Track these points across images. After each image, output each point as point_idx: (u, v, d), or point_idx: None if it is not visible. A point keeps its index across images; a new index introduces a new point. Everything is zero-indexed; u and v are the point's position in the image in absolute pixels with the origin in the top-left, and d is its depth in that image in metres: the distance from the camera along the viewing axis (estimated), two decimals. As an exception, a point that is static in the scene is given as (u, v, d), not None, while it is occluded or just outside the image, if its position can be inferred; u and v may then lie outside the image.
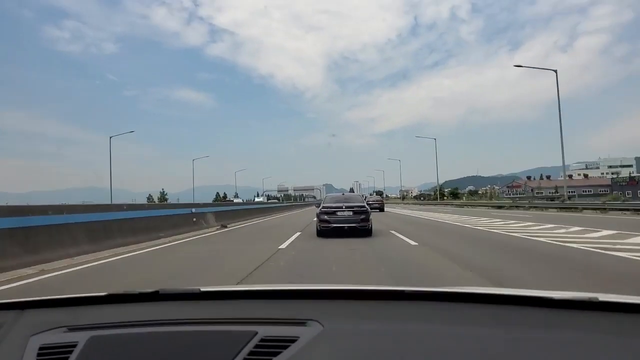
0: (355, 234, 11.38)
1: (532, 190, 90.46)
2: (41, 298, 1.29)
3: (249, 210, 24.31)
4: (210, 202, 33.39)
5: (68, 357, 0.94)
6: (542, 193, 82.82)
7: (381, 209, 32.91)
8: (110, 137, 44.28)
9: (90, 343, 0.98)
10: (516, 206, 33.88)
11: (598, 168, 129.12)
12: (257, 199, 76.05)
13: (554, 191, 78.70)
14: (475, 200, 64.30)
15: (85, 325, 1.09)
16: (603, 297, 1.00)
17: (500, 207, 35.61)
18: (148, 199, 79.13)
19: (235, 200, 73.71)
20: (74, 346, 0.98)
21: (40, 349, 1.00)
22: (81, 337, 1.00)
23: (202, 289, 1.22)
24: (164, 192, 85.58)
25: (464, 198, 78.24)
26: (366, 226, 11.59)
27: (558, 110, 29.37)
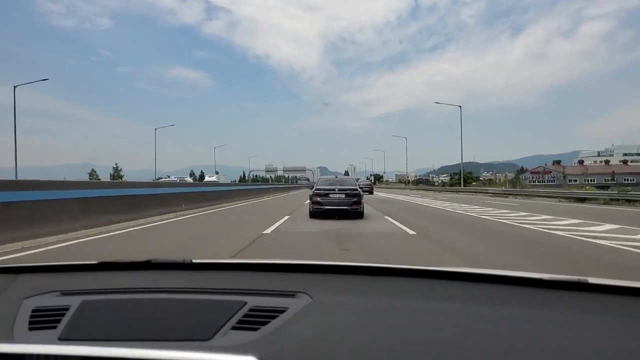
0: (349, 217, 11.45)
1: (564, 176, 73.17)
2: (35, 264, 1.34)
3: (205, 193, 18.18)
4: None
5: (60, 319, 0.96)
6: (575, 181, 68.29)
7: (370, 192, 35.75)
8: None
9: (82, 307, 1.00)
10: (573, 197, 23.94)
11: (612, 155, 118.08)
12: (209, 179, 63.69)
13: (590, 179, 65.78)
14: (506, 188, 45.31)
15: (77, 290, 1.12)
16: (593, 280, 1.02)
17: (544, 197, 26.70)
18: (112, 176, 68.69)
19: (208, 179, 64.34)
20: (67, 309, 1.00)
21: (34, 311, 1.02)
22: (73, 301, 1.02)
23: (194, 260, 1.25)
24: (117, 168, 73.56)
25: (472, 184, 70.25)
26: (358, 209, 11.77)
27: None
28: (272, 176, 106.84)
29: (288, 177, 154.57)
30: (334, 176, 14.53)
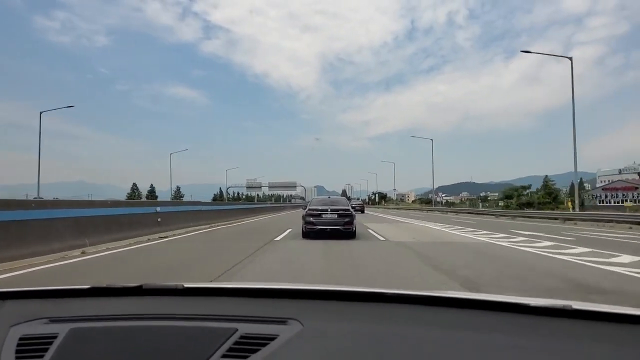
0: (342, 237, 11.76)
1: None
2: (22, 289, 1.29)
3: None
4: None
5: (48, 348, 0.95)
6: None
7: (362, 211, 39.96)
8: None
9: (70, 335, 0.99)
10: None
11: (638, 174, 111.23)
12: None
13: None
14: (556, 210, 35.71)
15: (66, 317, 1.09)
16: (577, 305, 1.01)
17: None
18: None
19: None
20: (55, 337, 0.98)
21: (20, 339, 1.00)
22: (62, 329, 1.01)
23: (186, 285, 1.22)
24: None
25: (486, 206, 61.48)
26: (350, 229, 11.96)
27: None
28: (259, 194, 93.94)
29: (279, 195, 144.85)
30: (327, 197, 14.88)
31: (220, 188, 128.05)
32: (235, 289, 1.25)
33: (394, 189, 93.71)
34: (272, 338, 0.94)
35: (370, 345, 0.92)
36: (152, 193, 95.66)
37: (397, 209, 70.25)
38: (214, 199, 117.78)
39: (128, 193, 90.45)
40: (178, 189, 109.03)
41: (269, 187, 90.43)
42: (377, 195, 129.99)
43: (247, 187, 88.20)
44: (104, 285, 1.24)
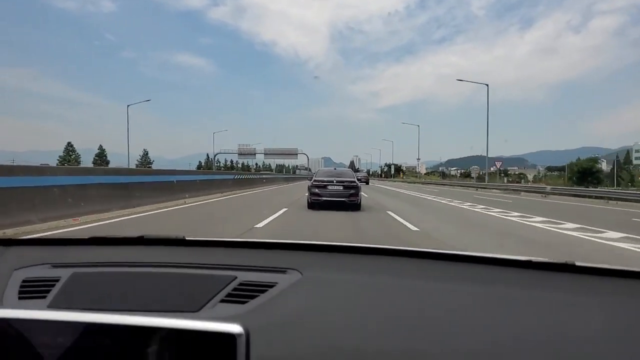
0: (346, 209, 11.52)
1: None
2: (26, 237, 1.31)
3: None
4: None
5: (50, 290, 0.98)
6: None
7: (367, 182, 40.20)
8: (128, 105, 44.94)
9: (72, 279, 1.01)
10: None
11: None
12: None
13: None
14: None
15: (68, 263, 1.11)
16: (580, 263, 1.03)
17: None
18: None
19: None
20: (57, 280, 1.00)
21: (24, 281, 1.03)
22: (64, 273, 1.03)
23: (187, 237, 1.25)
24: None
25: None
26: (355, 201, 11.90)
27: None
28: (257, 163, 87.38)
29: (282, 166, 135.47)
30: (333, 168, 14.61)
31: (207, 154, 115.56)
32: (236, 242, 1.27)
33: (418, 159, 71.17)
34: (270, 285, 0.95)
35: (369, 295, 0.94)
36: (101, 157, 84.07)
37: (421, 182, 58.55)
38: (199, 167, 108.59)
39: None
40: (145, 153, 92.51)
41: (265, 154, 75.51)
42: (391, 167, 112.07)
43: (238, 154, 74.97)
44: (106, 235, 1.27)
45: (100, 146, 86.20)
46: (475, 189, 35.83)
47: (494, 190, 31.48)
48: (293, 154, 75.92)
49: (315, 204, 11.86)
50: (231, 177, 24.41)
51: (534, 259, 1.04)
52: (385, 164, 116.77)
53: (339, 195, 11.77)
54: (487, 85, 36.60)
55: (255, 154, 76.37)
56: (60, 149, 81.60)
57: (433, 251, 1.13)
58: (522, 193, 27.92)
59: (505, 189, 31.15)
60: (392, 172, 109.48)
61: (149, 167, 79.72)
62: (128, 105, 46.50)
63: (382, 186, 39.45)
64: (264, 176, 38.87)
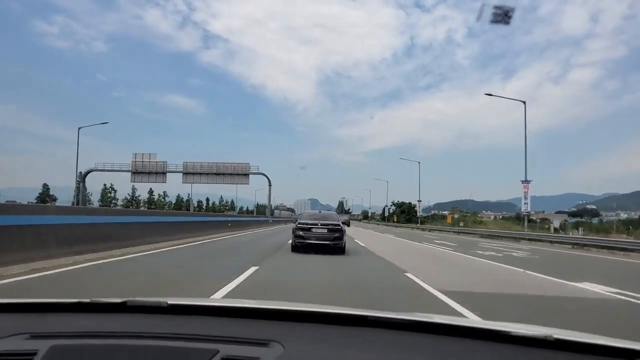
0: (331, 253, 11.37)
1: None
2: (3, 301, 1.25)
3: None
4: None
5: None
6: None
7: (348, 224, 37.57)
8: (79, 128, 36.61)
9: (51, 352, 0.95)
10: None
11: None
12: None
13: None
14: None
15: (47, 332, 1.06)
16: (558, 334, 1.00)
17: None
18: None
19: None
20: (34, 354, 0.95)
21: None
22: (42, 346, 0.97)
23: (169, 302, 1.21)
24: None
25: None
26: (339, 244, 11.86)
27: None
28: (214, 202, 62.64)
29: (262, 208, 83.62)
30: (317, 211, 14.85)
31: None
32: (219, 308, 1.25)
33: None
34: None
35: None
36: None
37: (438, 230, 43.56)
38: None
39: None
40: (46, 189, 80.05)
41: (185, 173, 46.52)
42: (397, 207, 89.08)
43: (132, 173, 46.47)
44: (88, 300, 1.22)
45: (45, 184, 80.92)
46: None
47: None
48: (242, 173, 47.04)
49: (299, 247, 11.80)
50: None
51: (513, 331, 1.01)
52: (393, 202, 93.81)
53: (323, 239, 11.71)
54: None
55: (165, 172, 46.34)
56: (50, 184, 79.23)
57: (418, 320, 1.10)
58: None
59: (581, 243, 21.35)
60: (395, 215, 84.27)
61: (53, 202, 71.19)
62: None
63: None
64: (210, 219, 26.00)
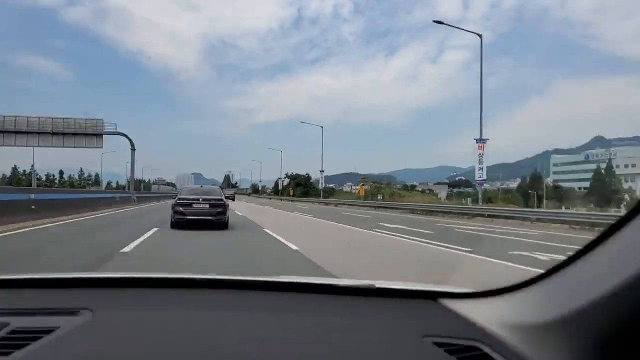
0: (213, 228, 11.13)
1: None
2: None
3: None
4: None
5: None
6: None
7: (232, 199, 36.80)
8: None
9: None
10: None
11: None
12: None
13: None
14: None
15: None
16: (379, 284, 1.14)
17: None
18: None
19: None
20: None
21: None
22: None
23: None
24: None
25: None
26: (222, 219, 11.57)
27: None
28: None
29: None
30: (199, 185, 14.02)
31: None
32: (15, 280, 1.13)
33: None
34: (48, 331, 0.84)
35: (165, 332, 0.87)
36: None
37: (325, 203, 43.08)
38: None
39: None
40: None
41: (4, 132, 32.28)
42: (291, 180, 76.76)
43: None
44: None
45: None
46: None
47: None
48: (92, 133, 34.18)
49: (179, 223, 11.22)
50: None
51: (338, 283, 1.14)
52: (287, 174, 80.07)
53: (205, 214, 11.31)
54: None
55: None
56: None
57: (244, 279, 1.13)
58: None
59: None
60: (291, 189, 73.38)
61: None
62: None
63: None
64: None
